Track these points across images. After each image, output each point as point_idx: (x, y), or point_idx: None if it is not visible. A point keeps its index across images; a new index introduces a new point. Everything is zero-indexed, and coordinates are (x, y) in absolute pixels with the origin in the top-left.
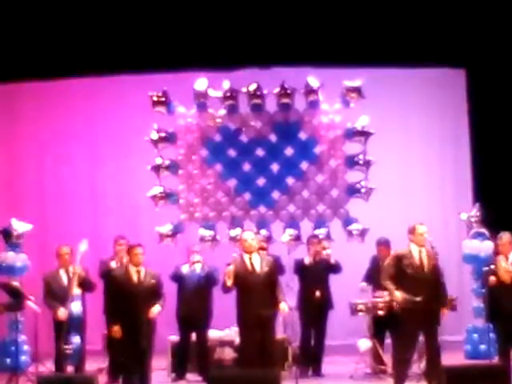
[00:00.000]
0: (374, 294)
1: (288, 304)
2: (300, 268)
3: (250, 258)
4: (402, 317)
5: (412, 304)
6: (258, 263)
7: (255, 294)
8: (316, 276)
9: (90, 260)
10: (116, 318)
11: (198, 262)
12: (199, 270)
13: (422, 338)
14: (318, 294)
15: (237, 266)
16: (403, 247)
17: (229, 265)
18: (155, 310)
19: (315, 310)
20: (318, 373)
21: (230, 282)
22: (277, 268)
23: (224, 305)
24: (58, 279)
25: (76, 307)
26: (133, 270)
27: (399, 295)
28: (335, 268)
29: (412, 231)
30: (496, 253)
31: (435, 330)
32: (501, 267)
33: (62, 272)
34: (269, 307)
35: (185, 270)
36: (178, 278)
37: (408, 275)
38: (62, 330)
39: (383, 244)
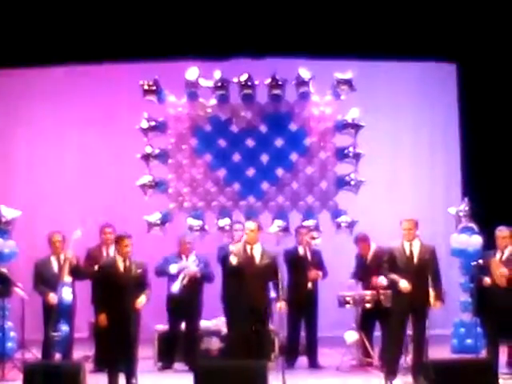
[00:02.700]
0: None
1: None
2: (293, 258)
3: (252, 249)
4: (390, 309)
5: (400, 296)
6: (258, 254)
7: (253, 284)
8: (311, 266)
9: (78, 248)
10: (103, 307)
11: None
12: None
13: (409, 331)
14: (310, 286)
15: (240, 254)
16: (392, 240)
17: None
18: (141, 300)
19: (305, 302)
20: (314, 364)
21: (235, 260)
22: (278, 262)
23: (211, 295)
24: (48, 266)
25: (66, 294)
26: (119, 259)
27: (406, 284)
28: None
29: (400, 225)
30: (493, 246)
31: (422, 323)
32: (496, 270)
33: (53, 259)
34: (262, 299)
35: (173, 270)
36: (163, 274)
37: (398, 267)
38: (51, 316)
39: (361, 239)
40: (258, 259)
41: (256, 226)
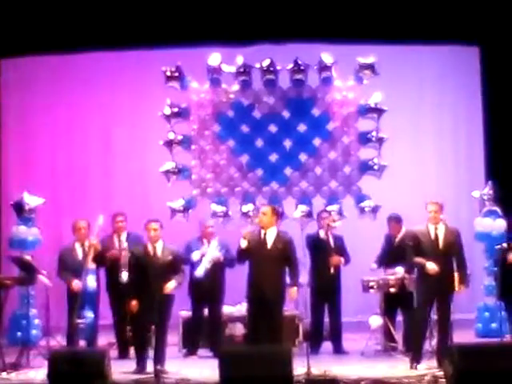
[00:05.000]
0: (386, 273)
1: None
2: (315, 243)
3: (265, 234)
4: (416, 292)
5: (427, 279)
6: (271, 239)
7: (263, 269)
8: (333, 252)
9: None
10: (133, 293)
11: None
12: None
13: (433, 315)
14: (332, 271)
15: (253, 238)
16: (416, 224)
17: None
18: (170, 285)
19: (328, 287)
20: (339, 349)
21: (244, 244)
22: (292, 247)
23: (235, 280)
24: (73, 253)
25: (91, 281)
26: (150, 245)
27: (434, 266)
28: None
29: (425, 208)
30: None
31: (448, 307)
32: None
33: (77, 246)
34: (276, 285)
35: (195, 257)
36: (186, 262)
37: (423, 251)
38: (75, 303)
39: (394, 220)
40: (269, 244)
41: (270, 210)
